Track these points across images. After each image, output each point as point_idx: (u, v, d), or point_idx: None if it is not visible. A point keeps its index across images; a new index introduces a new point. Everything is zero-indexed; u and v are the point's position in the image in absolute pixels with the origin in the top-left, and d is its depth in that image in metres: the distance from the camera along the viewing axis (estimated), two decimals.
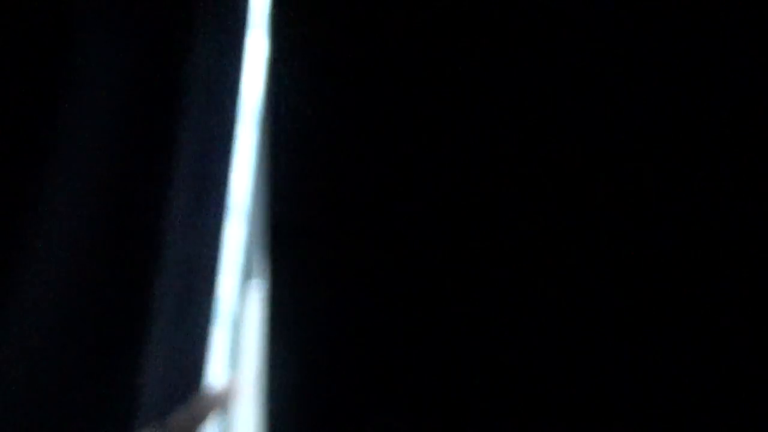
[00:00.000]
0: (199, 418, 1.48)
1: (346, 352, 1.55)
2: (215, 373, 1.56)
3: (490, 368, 1.51)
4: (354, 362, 1.55)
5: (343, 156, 1.58)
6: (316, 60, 1.59)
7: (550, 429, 1.49)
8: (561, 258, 1.51)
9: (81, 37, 1.57)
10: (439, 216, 1.55)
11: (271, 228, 1.59)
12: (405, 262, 1.55)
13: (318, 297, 1.57)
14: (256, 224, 1.62)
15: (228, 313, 1.61)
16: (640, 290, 1.47)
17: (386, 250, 1.56)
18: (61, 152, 1.56)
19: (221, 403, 1.50)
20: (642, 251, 1.48)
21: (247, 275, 1.61)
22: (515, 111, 1.54)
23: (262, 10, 1.65)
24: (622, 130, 1.50)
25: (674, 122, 1.49)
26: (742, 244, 1.45)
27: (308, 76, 1.59)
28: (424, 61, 1.57)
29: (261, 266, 1.60)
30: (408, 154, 1.56)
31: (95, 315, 1.54)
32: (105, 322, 1.54)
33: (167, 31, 1.60)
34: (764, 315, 1.43)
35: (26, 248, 1.54)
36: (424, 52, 1.57)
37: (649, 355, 1.46)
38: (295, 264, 1.58)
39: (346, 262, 1.57)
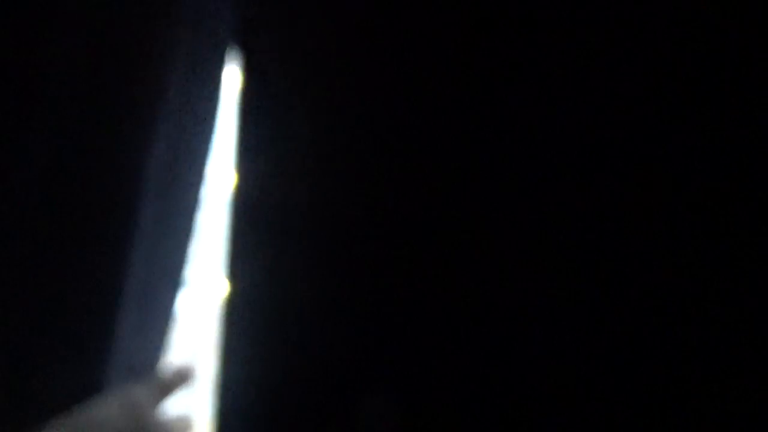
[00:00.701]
0: (156, 397, 1.45)
1: (315, 349, 1.54)
2: (175, 356, 1.57)
3: (468, 379, 1.49)
4: (323, 359, 1.54)
5: (323, 155, 1.58)
6: (297, 59, 1.59)
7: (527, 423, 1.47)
8: (535, 256, 1.50)
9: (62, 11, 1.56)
10: (415, 211, 1.54)
11: (245, 222, 1.59)
12: (381, 257, 1.54)
13: (287, 292, 1.56)
14: (232, 218, 1.61)
15: (197, 302, 1.62)
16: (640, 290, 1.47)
17: (362, 247, 1.55)
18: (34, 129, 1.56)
19: (175, 384, 1.48)
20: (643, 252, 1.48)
21: (220, 266, 1.61)
22: (506, 106, 1.53)
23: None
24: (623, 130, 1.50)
25: (674, 122, 1.49)
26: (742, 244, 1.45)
27: (290, 75, 1.59)
28: (409, 56, 1.56)
29: (233, 259, 1.59)
30: (387, 149, 1.56)
31: (62, 305, 1.54)
32: (72, 310, 1.54)
33: (149, 23, 1.59)
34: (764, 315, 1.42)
35: None
36: (410, 48, 1.56)
37: (649, 355, 1.45)
38: (267, 258, 1.57)
39: (319, 259, 1.56)
